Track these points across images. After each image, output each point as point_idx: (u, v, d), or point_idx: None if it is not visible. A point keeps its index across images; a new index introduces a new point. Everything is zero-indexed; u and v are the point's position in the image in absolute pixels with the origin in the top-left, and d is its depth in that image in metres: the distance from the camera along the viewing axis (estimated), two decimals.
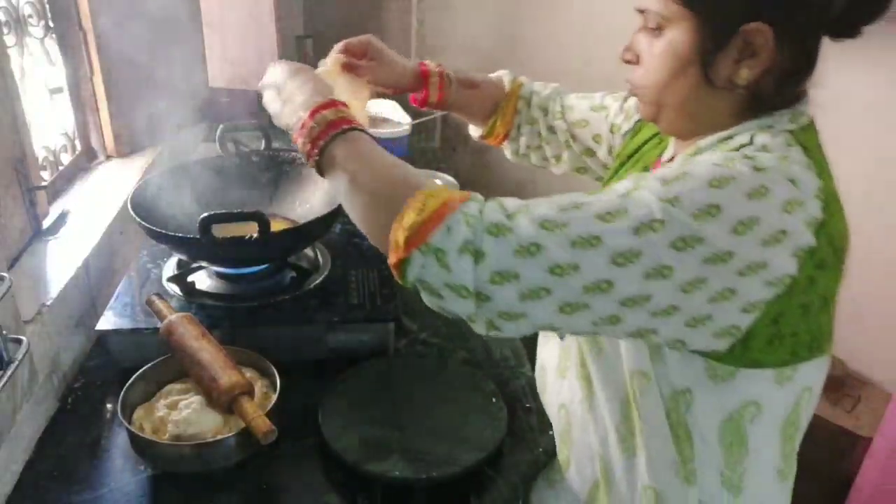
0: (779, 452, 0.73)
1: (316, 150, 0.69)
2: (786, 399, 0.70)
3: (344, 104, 0.73)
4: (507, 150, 1.14)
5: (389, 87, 1.00)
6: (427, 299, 0.62)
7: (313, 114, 0.70)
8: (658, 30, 0.69)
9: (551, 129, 1.06)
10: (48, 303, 0.97)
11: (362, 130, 0.71)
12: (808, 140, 0.68)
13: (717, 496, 0.73)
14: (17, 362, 0.76)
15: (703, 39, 0.66)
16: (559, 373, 0.86)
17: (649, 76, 0.71)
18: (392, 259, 0.62)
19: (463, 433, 0.91)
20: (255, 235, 0.97)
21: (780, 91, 0.68)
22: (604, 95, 1.03)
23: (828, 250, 0.62)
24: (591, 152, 1.04)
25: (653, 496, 0.74)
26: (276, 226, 0.99)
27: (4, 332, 0.76)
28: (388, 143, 1.80)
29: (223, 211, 0.98)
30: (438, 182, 1.75)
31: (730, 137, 0.69)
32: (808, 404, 0.72)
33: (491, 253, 0.58)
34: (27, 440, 0.88)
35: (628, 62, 0.74)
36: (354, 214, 0.68)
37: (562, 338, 0.85)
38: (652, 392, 0.71)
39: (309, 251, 1.19)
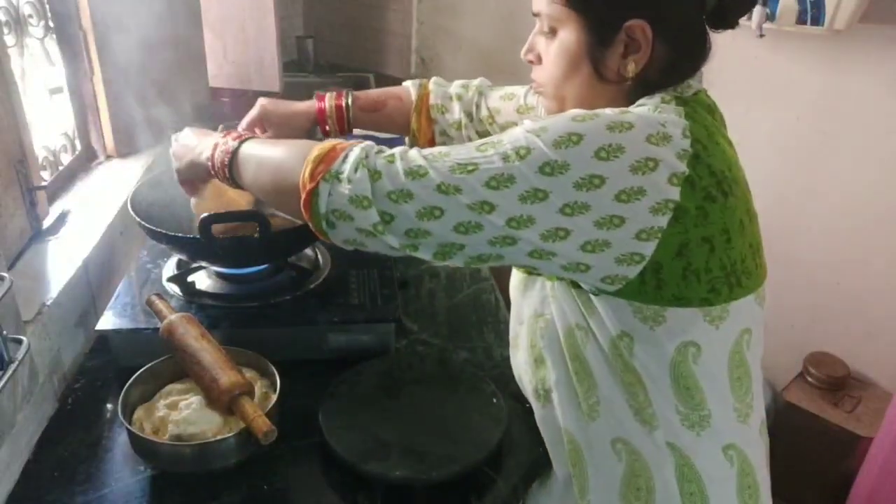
0: (730, 394, 0.76)
1: (229, 154, 0.82)
2: (723, 339, 0.74)
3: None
4: None
5: (298, 137, 1.02)
6: (341, 231, 0.70)
7: (225, 136, 0.84)
8: (552, 32, 0.75)
9: (481, 134, 1.07)
10: (48, 303, 0.97)
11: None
12: (688, 102, 0.73)
13: (682, 435, 0.75)
14: (17, 362, 0.76)
15: (590, 38, 0.72)
16: (514, 350, 0.89)
17: (548, 75, 0.77)
18: (303, 197, 0.70)
19: (463, 433, 0.91)
20: (255, 235, 0.97)
21: (667, 79, 0.74)
22: (526, 92, 1.05)
23: (710, 181, 0.67)
24: None
25: (623, 449, 0.76)
26: (277, 226, 0.99)
27: (4, 332, 0.76)
28: (388, 143, 1.80)
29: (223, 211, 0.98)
30: None
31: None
32: (752, 347, 0.76)
33: (385, 173, 0.67)
34: (27, 440, 0.88)
35: (531, 62, 0.81)
36: (266, 188, 0.79)
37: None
38: (591, 342, 0.74)
39: (309, 251, 1.19)
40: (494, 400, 0.96)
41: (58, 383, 0.99)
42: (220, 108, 1.96)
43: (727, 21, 0.74)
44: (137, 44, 1.44)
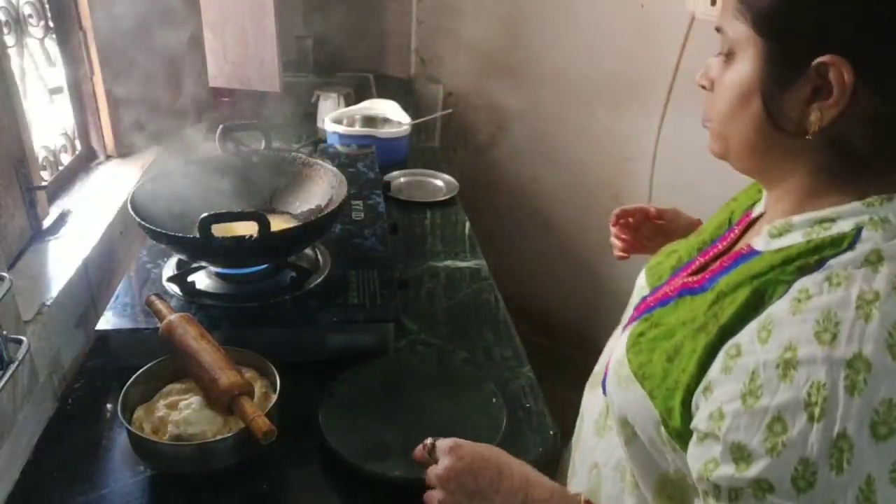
0: None
1: None
2: None
3: None
4: None
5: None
6: None
7: None
8: (730, 56, 0.61)
9: None
10: (48, 303, 0.97)
11: None
12: None
13: None
14: (17, 362, 0.76)
15: (769, 70, 0.57)
16: (597, 430, 0.78)
17: (716, 106, 0.64)
18: None
19: (463, 433, 0.91)
20: (255, 235, 0.97)
21: (879, 151, 0.56)
22: None
23: None
24: None
25: None
26: (277, 225, 0.99)
27: (4, 332, 0.76)
28: (388, 143, 1.80)
29: (223, 211, 0.98)
30: (439, 183, 1.75)
31: (829, 222, 0.57)
32: None
33: None
34: (27, 440, 0.88)
35: (703, 87, 0.66)
36: None
37: (605, 393, 0.75)
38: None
39: (309, 251, 1.19)
40: (494, 400, 0.96)
41: (58, 383, 0.99)
42: (220, 108, 1.96)
43: None
44: (137, 44, 1.44)
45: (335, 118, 1.86)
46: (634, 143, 2.00)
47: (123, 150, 1.53)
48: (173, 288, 1.08)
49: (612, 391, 0.71)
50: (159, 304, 0.95)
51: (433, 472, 0.65)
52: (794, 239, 0.59)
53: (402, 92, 2.41)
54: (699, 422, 0.57)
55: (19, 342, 0.78)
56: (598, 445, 0.76)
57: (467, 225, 1.55)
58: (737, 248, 0.68)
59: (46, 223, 1.16)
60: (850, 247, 0.54)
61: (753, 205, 0.74)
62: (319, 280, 1.11)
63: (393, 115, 1.93)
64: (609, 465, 0.73)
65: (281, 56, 1.90)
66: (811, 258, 0.55)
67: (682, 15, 1.70)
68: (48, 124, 1.33)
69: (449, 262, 1.38)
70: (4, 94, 1.02)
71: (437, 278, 1.33)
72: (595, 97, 2.26)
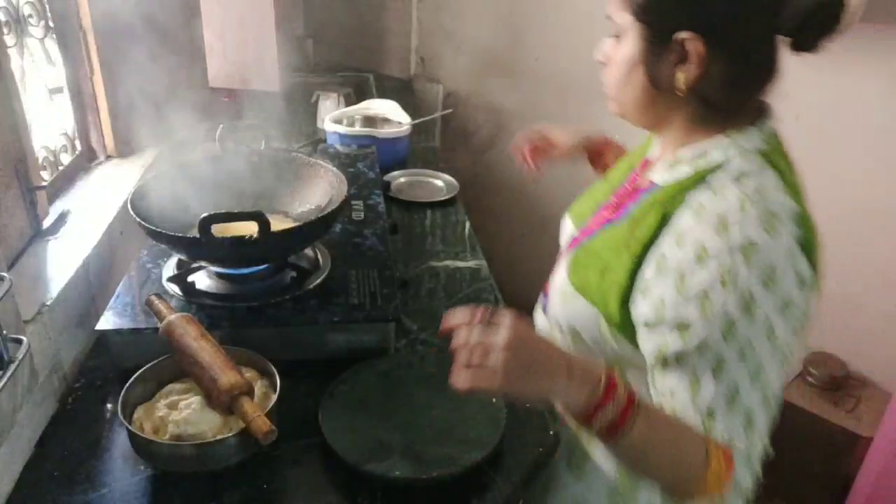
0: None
1: (621, 429, 0.67)
2: None
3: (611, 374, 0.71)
4: None
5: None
6: None
7: (607, 393, 0.67)
8: (618, 37, 0.80)
9: None
10: (48, 303, 0.97)
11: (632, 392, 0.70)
12: (778, 160, 0.78)
13: None
14: (17, 362, 0.76)
15: (645, 46, 0.77)
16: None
17: (612, 78, 0.83)
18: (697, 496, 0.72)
19: (463, 433, 0.91)
20: (255, 235, 0.97)
21: (730, 98, 0.78)
22: None
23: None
24: None
25: None
26: (277, 225, 0.99)
27: (4, 332, 0.76)
28: (388, 143, 1.80)
29: (223, 211, 0.98)
30: (439, 183, 1.75)
31: (705, 154, 0.79)
32: None
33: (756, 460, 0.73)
34: (27, 440, 0.88)
35: (601, 63, 0.85)
36: (649, 476, 0.75)
37: (545, 313, 0.97)
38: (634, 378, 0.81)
39: (309, 251, 1.19)
40: (494, 400, 0.96)
41: (58, 383, 0.99)
42: (220, 108, 1.96)
43: (809, 45, 0.73)
44: (137, 44, 1.44)
45: (335, 118, 1.86)
46: (633, 143, 2.00)
47: (123, 150, 1.53)
48: (173, 288, 1.08)
49: (558, 309, 0.91)
50: (159, 304, 0.95)
51: (496, 339, 0.67)
52: (685, 171, 0.80)
53: (402, 92, 2.41)
54: (645, 315, 0.76)
55: (19, 342, 0.78)
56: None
57: (467, 225, 1.55)
58: (641, 184, 0.89)
59: (46, 223, 1.16)
60: (723, 168, 0.76)
61: (645, 155, 0.96)
62: (319, 280, 1.11)
63: (393, 115, 1.93)
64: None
65: (281, 56, 1.90)
66: (696, 179, 0.77)
67: None
68: (48, 124, 1.33)
69: (449, 262, 1.38)
70: (4, 94, 1.02)
71: (437, 278, 1.33)
72: (595, 97, 2.26)
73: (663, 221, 0.77)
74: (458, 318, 0.71)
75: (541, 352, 0.68)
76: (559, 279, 0.92)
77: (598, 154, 1.26)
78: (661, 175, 0.83)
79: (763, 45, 0.75)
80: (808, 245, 0.73)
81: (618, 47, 0.80)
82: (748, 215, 0.70)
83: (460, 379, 0.67)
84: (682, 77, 0.75)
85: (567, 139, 1.25)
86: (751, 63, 0.76)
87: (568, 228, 1.02)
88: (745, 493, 0.72)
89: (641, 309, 0.77)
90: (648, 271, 0.76)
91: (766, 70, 0.77)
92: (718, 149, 0.78)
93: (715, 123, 0.79)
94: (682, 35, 0.73)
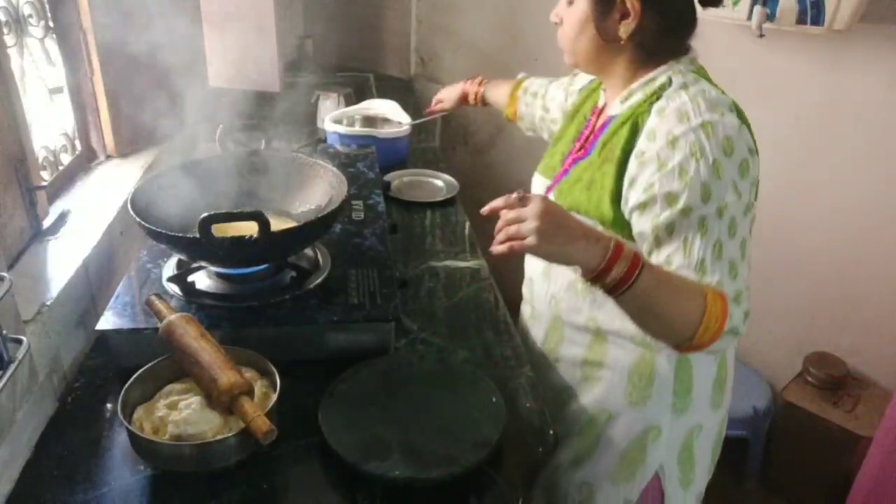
0: (712, 383, 1.09)
1: (631, 281, 0.84)
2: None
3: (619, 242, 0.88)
4: (521, 127, 1.54)
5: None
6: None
7: (615, 254, 0.84)
8: (570, 2, 1.00)
9: (542, 119, 1.43)
10: (48, 303, 0.97)
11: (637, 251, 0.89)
12: (705, 75, 1.00)
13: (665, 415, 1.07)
14: (17, 362, 0.76)
15: (595, 7, 0.97)
16: (544, 274, 1.13)
17: (567, 35, 1.02)
18: (688, 345, 0.89)
19: (463, 433, 0.91)
20: (255, 235, 0.97)
21: (661, 43, 0.98)
22: (572, 77, 1.34)
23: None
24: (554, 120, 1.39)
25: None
26: (277, 225, 0.99)
27: (4, 332, 0.76)
28: (388, 143, 1.80)
29: (223, 211, 0.98)
30: (439, 183, 1.75)
31: (652, 80, 0.98)
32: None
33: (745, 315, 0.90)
34: (27, 440, 0.88)
35: (556, 24, 1.04)
36: (649, 328, 0.92)
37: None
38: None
39: (309, 251, 1.19)
40: (494, 399, 0.96)
41: (57, 383, 0.99)
42: (220, 108, 1.96)
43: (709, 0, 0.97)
44: (137, 44, 1.44)
45: (335, 118, 1.86)
46: None
47: (123, 150, 1.53)
48: (173, 288, 1.08)
49: None
50: (159, 304, 0.95)
51: (529, 210, 0.84)
52: (639, 97, 0.99)
53: (402, 92, 2.41)
54: (636, 199, 0.93)
55: (19, 342, 0.78)
56: (549, 283, 1.12)
57: (467, 225, 1.55)
58: (599, 124, 1.07)
59: (46, 223, 1.16)
60: (670, 85, 0.96)
61: (596, 102, 1.13)
62: (319, 280, 1.11)
63: (393, 115, 1.93)
64: (562, 288, 1.09)
65: (281, 56, 1.90)
66: (653, 97, 0.97)
67: None
68: (48, 124, 1.33)
69: (449, 262, 1.38)
70: (4, 94, 1.02)
71: (437, 278, 1.33)
72: None
73: (633, 130, 0.96)
74: (498, 203, 0.88)
75: (566, 219, 0.85)
76: None
77: (466, 99, 1.65)
78: (618, 108, 1.02)
79: (683, 1, 0.97)
80: (745, 125, 0.93)
81: (570, 10, 1.00)
82: (699, 104, 0.91)
83: (500, 246, 0.85)
84: (624, 29, 0.95)
85: (448, 95, 1.69)
86: (674, 14, 0.97)
87: (539, 182, 1.17)
88: (737, 330, 0.88)
89: (633, 198, 0.94)
90: (632, 168, 0.94)
91: (686, 19, 0.98)
92: (662, 74, 0.98)
93: (651, 64, 0.99)
94: None
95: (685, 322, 0.86)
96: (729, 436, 1.22)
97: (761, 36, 1.62)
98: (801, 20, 1.59)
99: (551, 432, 0.96)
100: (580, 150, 1.08)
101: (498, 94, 1.55)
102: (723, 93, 0.96)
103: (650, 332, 0.92)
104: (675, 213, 0.88)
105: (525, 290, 1.22)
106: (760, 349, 2.08)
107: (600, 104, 1.10)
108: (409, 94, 2.49)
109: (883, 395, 1.86)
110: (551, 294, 1.12)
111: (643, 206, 0.92)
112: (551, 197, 1.04)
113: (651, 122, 0.94)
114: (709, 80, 0.98)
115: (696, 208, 0.87)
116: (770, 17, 1.61)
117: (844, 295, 1.91)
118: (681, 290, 0.87)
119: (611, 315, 1.03)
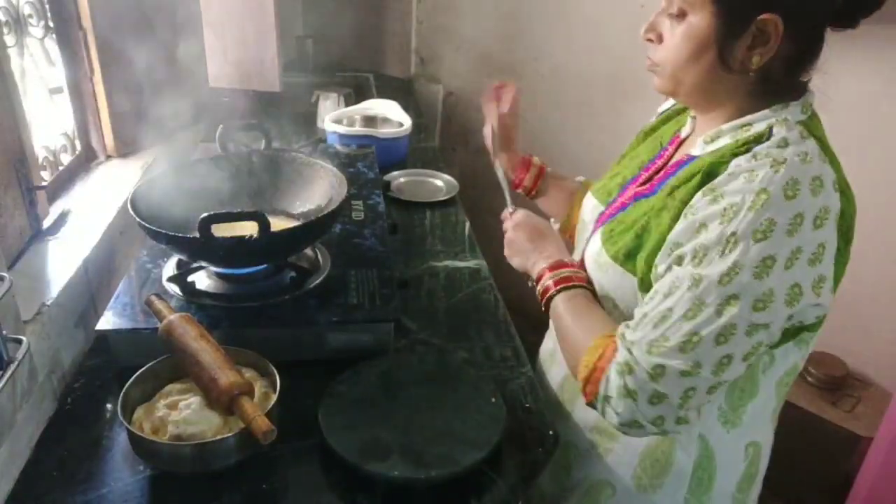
0: (775, 396, 0.91)
1: (548, 296, 0.94)
2: (796, 355, 0.87)
3: (571, 265, 0.97)
4: None
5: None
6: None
7: (553, 268, 0.96)
8: (680, 15, 0.78)
9: None
10: (48, 303, 0.97)
11: (582, 286, 0.93)
12: (817, 129, 0.79)
13: (714, 429, 0.89)
14: (17, 362, 0.76)
15: (721, 27, 0.76)
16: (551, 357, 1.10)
17: (669, 55, 0.81)
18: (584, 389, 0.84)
19: (463, 433, 0.91)
20: (255, 235, 0.97)
21: (788, 76, 0.79)
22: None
23: (841, 241, 0.76)
24: None
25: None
26: (277, 225, 0.99)
27: (4, 332, 0.76)
28: (388, 143, 1.80)
29: (223, 211, 0.98)
30: (439, 183, 1.75)
31: (748, 125, 0.80)
32: (805, 356, 0.89)
33: (638, 391, 0.77)
34: (27, 440, 0.88)
35: (650, 41, 0.84)
36: (560, 346, 0.94)
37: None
38: None
39: (309, 251, 1.19)
40: (494, 399, 0.96)
41: (57, 383, 0.99)
42: (220, 108, 1.96)
43: (852, 21, 0.78)
44: (137, 44, 1.44)
45: (335, 118, 1.86)
46: (613, 147, 2.00)
47: (123, 150, 1.53)
48: (173, 288, 1.08)
49: (592, 276, 0.95)
50: (159, 304, 0.95)
51: (507, 224, 1.06)
52: (726, 142, 0.81)
53: (402, 92, 2.41)
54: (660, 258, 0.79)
55: (19, 342, 0.78)
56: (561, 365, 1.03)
57: (467, 225, 1.55)
58: (674, 160, 0.90)
59: (46, 223, 1.16)
60: (768, 138, 0.76)
61: (679, 129, 0.96)
62: (319, 280, 1.11)
63: (393, 115, 1.93)
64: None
65: (281, 56, 1.90)
66: (741, 149, 0.77)
67: None
68: (48, 124, 1.33)
69: (449, 262, 1.38)
70: (4, 94, 1.02)
71: (437, 278, 1.33)
72: (594, 97, 2.26)
73: (705, 181, 0.78)
74: (502, 215, 1.06)
75: (533, 234, 1.00)
76: (593, 249, 0.95)
77: (519, 165, 1.29)
78: (700, 149, 0.85)
79: (822, 24, 0.77)
80: (844, 212, 0.75)
81: (678, 27, 0.79)
82: (779, 173, 0.71)
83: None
84: (758, 59, 0.76)
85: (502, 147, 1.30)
86: (812, 41, 0.78)
87: (591, 205, 1.03)
88: (617, 407, 0.78)
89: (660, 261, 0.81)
90: (678, 227, 0.78)
91: (817, 48, 0.79)
92: (763, 121, 0.79)
93: (765, 100, 0.80)
94: (765, 16, 0.73)
95: (571, 355, 0.87)
96: None
97: None
98: None
99: (551, 433, 0.96)
100: (645, 183, 0.92)
101: (556, 195, 1.28)
102: (834, 162, 0.77)
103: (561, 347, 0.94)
104: (686, 273, 0.75)
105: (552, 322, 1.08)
106: None
107: (683, 133, 0.94)
108: (409, 94, 2.49)
109: (883, 395, 1.86)
110: None
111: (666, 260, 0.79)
112: (598, 233, 0.94)
113: (718, 179, 0.76)
114: (820, 134, 0.79)
115: (713, 293, 0.73)
116: None
117: (844, 295, 1.90)
118: (585, 325, 0.87)
119: None
